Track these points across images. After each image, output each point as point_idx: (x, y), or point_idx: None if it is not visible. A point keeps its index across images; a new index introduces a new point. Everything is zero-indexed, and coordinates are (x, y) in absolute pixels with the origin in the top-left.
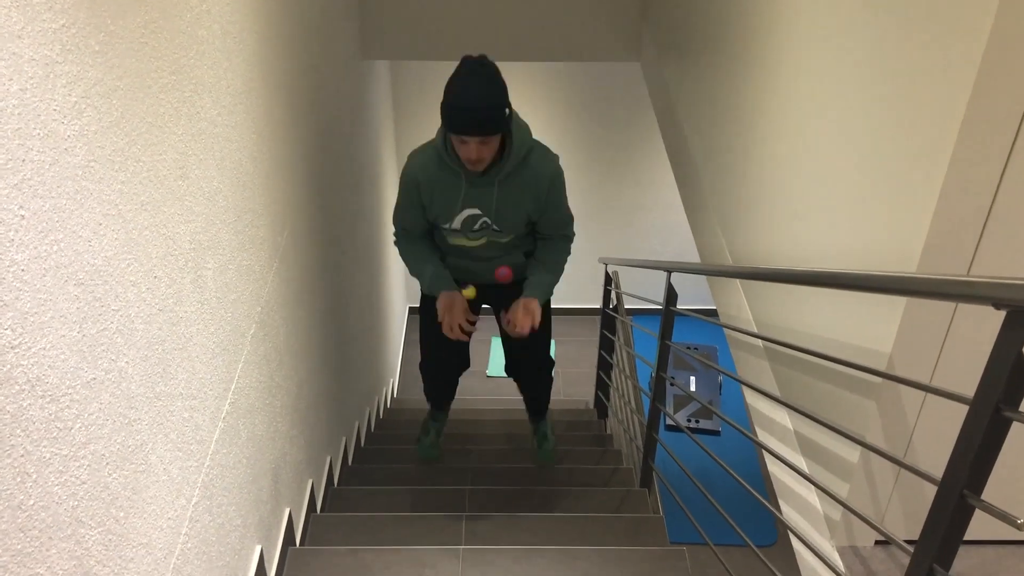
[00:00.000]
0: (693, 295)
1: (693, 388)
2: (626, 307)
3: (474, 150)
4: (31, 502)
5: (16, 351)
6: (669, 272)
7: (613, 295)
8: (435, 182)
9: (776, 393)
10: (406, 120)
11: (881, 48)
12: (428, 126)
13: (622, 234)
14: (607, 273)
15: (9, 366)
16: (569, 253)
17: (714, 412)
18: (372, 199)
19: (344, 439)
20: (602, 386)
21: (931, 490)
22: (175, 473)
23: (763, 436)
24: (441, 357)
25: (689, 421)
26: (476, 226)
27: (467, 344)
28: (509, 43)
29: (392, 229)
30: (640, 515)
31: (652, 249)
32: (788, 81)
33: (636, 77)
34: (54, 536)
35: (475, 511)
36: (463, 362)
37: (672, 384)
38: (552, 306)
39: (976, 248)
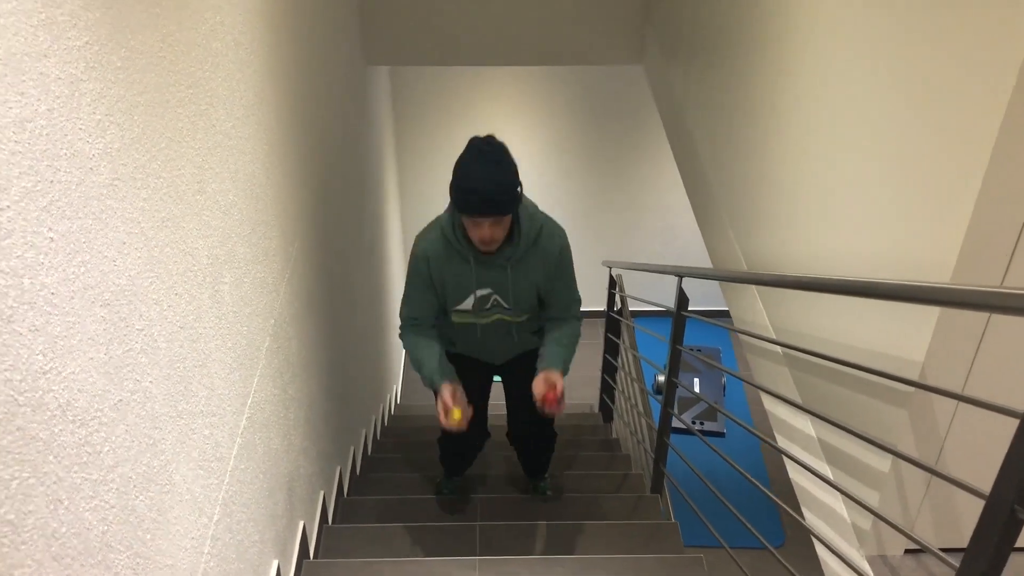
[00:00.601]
0: (700, 297)
1: (697, 390)
2: (629, 309)
3: (487, 231)
4: (64, 529)
5: (48, 376)
6: (680, 277)
7: (617, 298)
8: (445, 265)
9: (797, 399)
10: (406, 125)
11: (918, 51)
12: (427, 131)
13: (623, 236)
14: (611, 277)
15: (41, 392)
16: (580, 335)
17: (730, 417)
18: (375, 204)
19: (352, 448)
20: (607, 389)
21: (963, 498)
22: (197, 492)
23: (782, 442)
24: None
25: (694, 423)
26: (488, 305)
27: (485, 412)
28: (511, 48)
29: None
30: (654, 521)
31: (654, 251)
32: (815, 83)
33: (636, 79)
34: (85, 563)
35: (487, 519)
36: (483, 432)
37: (682, 387)
38: None
39: (1011, 257)
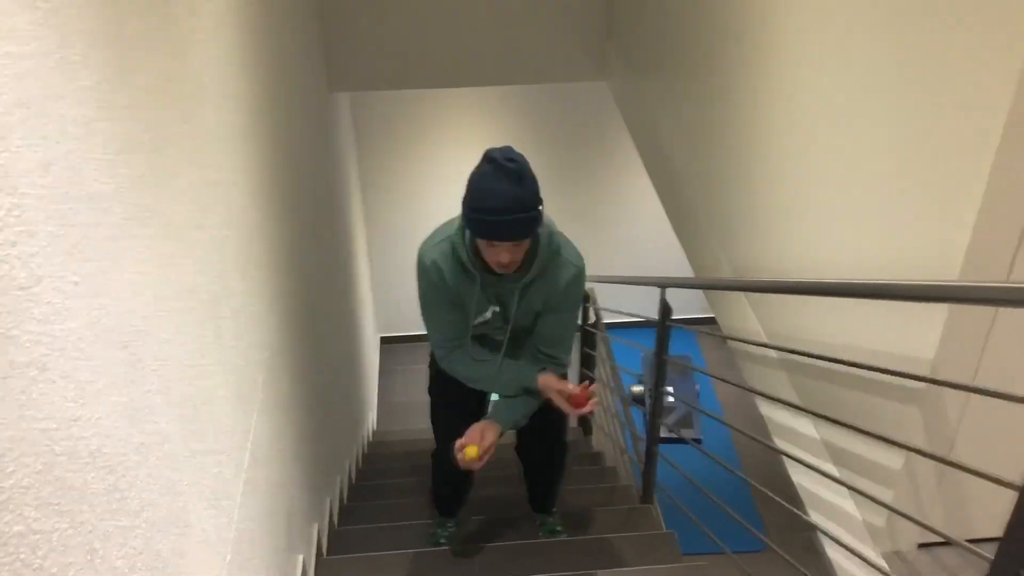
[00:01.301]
0: (675, 306)
1: (671, 399)
2: (604, 322)
3: (506, 255)
4: None
5: (79, 424)
6: (663, 288)
7: (592, 311)
8: (455, 281)
9: (796, 403)
10: (369, 151)
11: (919, 49)
12: (390, 155)
13: (595, 250)
14: (584, 292)
15: (74, 440)
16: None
17: (724, 423)
18: (344, 231)
19: (339, 479)
20: None
21: (974, 492)
22: (210, 532)
23: (782, 445)
24: (453, 413)
25: (671, 431)
26: (499, 323)
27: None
28: (473, 69)
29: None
30: (650, 532)
31: (624, 262)
32: (809, 86)
33: (601, 94)
34: None
35: (482, 541)
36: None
37: (671, 396)
38: None
39: (1015, 252)
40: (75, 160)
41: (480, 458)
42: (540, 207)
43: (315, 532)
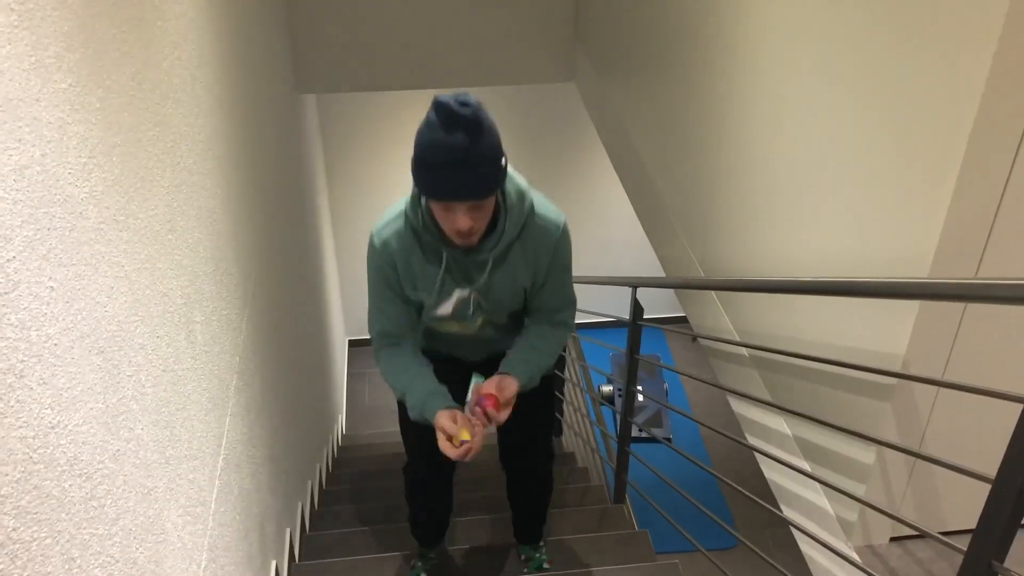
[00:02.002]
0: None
1: (641, 398)
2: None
3: (464, 219)
4: None
5: (56, 431)
6: (635, 288)
7: None
8: (413, 262)
9: (769, 400)
10: (335, 152)
11: (886, 51)
12: (357, 156)
13: None
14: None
15: (52, 447)
16: (564, 345)
17: (695, 420)
18: (313, 233)
19: (310, 483)
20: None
21: (944, 485)
22: (186, 539)
23: (755, 442)
24: (436, 462)
25: (642, 430)
26: (471, 309)
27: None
28: (442, 71)
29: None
30: (623, 531)
31: (596, 263)
32: (778, 84)
33: (569, 95)
34: None
35: (454, 544)
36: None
37: (641, 395)
38: None
39: (984, 248)
40: (50, 163)
41: (473, 440)
42: (502, 159)
43: (287, 537)
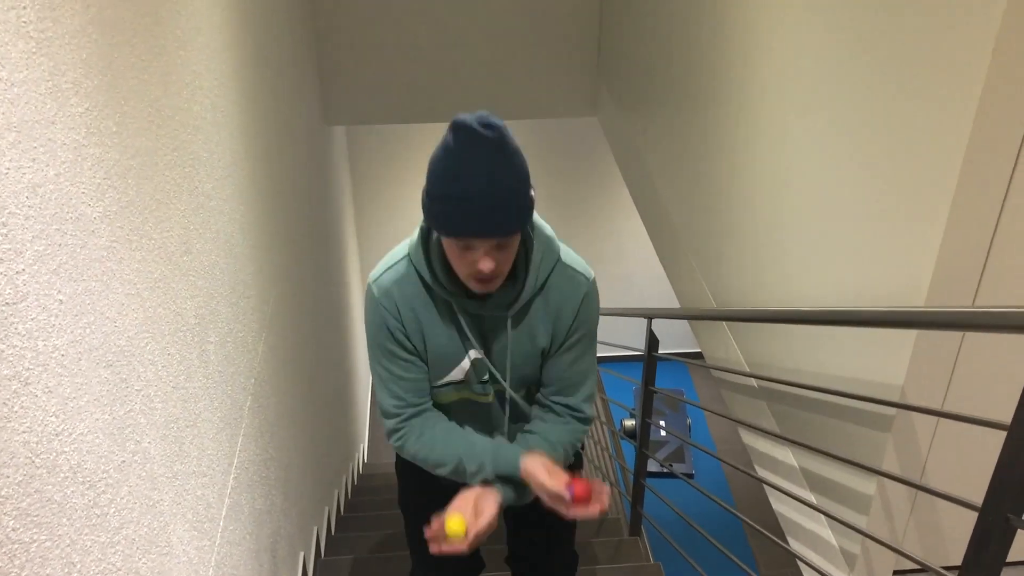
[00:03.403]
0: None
1: (663, 433)
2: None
3: (487, 260)
4: None
5: (60, 438)
6: (650, 319)
7: None
8: (420, 314)
9: (776, 431)
10: (363, 182)
11: (879, 85)
12: (384, 187)
13: None
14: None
15: (55, 453)
16: (581, 443)
17: (711, 454)
18: (337, 263)
19: (327, 508)
20: None
21: (947, 517)
22: (192, 554)
23: (764, 474)
24: (446, 563)
25: (663, 466)
26: (485, 375)
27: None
28: (467, 104)
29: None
30: (638, 564)
31: (616, 297)
32: (784, 122)
33: (592, 129)
34: None
35: None
36: (475, 561)
37: (662, 430)
38: None
39: (980, 278)
40: (64, 183)
41: (468, 535)
42: (531, 191)
43: (301, 561)
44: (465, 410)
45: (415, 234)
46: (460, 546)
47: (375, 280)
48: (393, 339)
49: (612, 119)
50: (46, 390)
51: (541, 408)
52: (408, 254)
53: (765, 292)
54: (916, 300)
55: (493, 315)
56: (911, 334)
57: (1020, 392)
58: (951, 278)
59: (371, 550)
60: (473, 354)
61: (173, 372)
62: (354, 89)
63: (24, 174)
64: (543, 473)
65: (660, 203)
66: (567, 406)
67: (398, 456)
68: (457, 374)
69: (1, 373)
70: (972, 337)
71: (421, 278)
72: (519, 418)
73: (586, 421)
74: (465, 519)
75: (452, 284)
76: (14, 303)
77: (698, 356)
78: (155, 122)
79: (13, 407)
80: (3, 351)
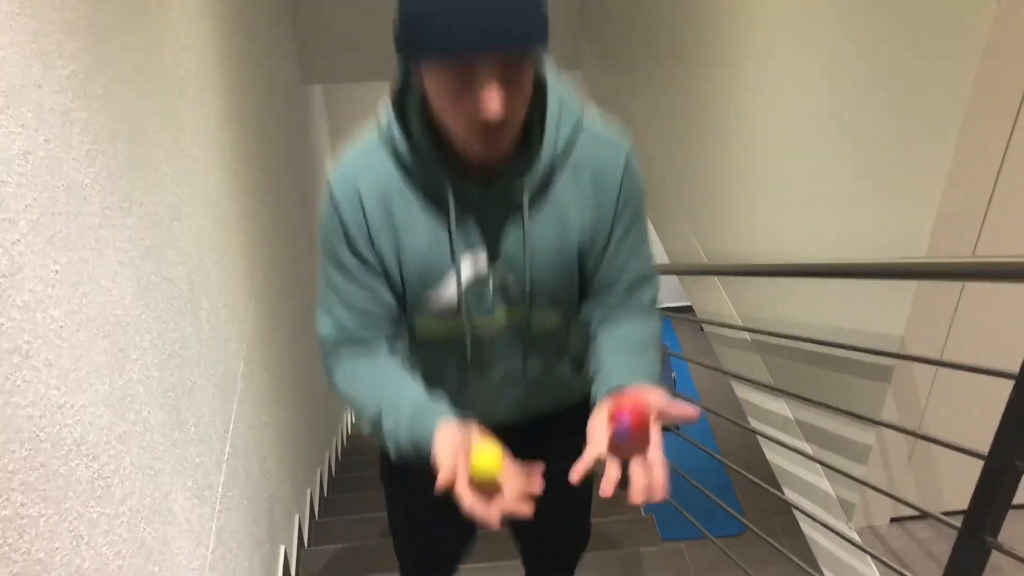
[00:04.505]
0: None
1: None
2: None
3: (493, 96)
4: (86, 565)
5: (63, 411)
6: None
7: None
8: (398, 210)
9: (770, 384)
10: (341, 140)
11: (882, 38)
12: None
13: None
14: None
15: (59, 427)
16: (661, 336)
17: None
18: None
19: (319, 470)
20: None
21: (944, 465)
22: (194, 521)
23: (757, 426)
24: (431, 538)
25: None
26: (489, 290)
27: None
28: None
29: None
30: (630, 516)
31: None
32: (775, 73)
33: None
34: None
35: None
36: (468, 531)
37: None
38: None
39: (981, 227)
40: (54, 149)
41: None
42: (544, 7)
43: (296, 523)
44: (457, 354)
45: (385, 100)
46: (488, 505)
47: (339, 172)
48: (349, 248)
49: (595, 73)
50: (46, 363)
51: (606, 316)
52: (379, 131)
53: (759, 245)
54: (917, 250)
55: (502, 197)
56: (911, 285)
57: None
58: (952, 228)
59: (364, 510)
60: (472, 260)
61: (168, 340)
62: (332, 48)
63: (15, 140)
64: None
65: (646, 157)
66: (628, 301)
67: (384, 459)
68: (448, 292)
69: (1, 347)
70: (972, 287)
71: (397, 157)
72: (544, 363)
73: (654, 308)
74: (495, 457)
75: (441, 159)
76: (11, 275)
77: (684, 311)
78: (141, 84)
79: (15, 381)
80: (2, 324)
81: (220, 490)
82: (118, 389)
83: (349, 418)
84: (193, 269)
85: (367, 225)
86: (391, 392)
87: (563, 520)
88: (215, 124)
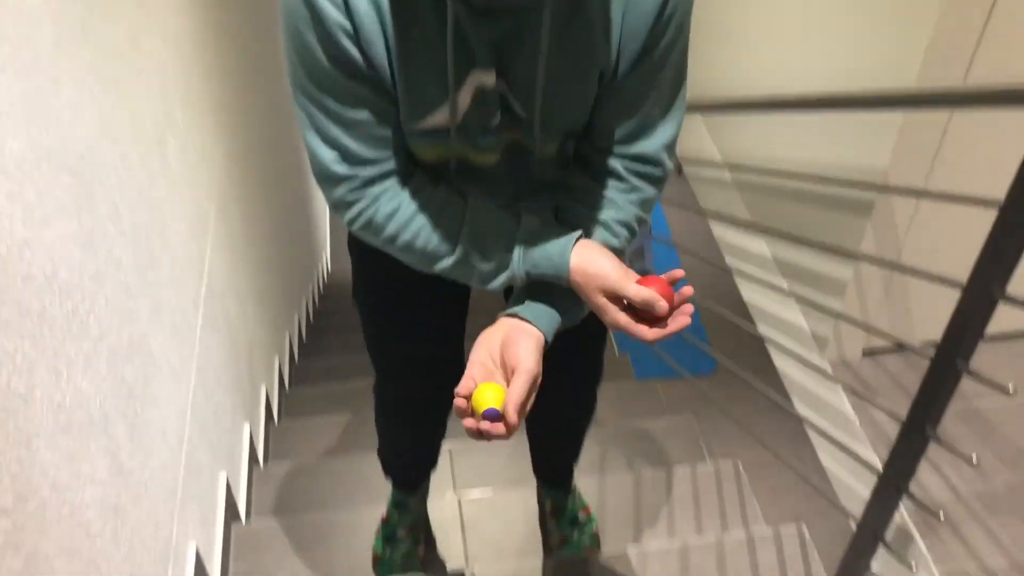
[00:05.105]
0: None
1: None
2: None
3: None
4: (67, 400)
5: (31, 246)
6: None
7: None
8: (386, 18)
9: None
10: None
11: None
12: None
13: None
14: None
15: (27, 262)
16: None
17: (676, 247)
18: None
19: (296, 315)
20: None
21: (919, 298)
22: (175, 361)
23: (733, 263)
24: (420, 366)
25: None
26: (491, 112)
27: (462, 336)
28: None
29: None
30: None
31: None
32: None
33: None
34: (90, 433)
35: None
36: (449, 330)
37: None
38: None
39: (972, 56)
40: None
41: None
42: None
43: (276, 364)
44: (440, 176)
45: None
46: (499, 429)
47: None
48: (338, 56)
49: None
50: (8, 196)
51: (582, 168)
52: None
53: (746, 83)
54: (907, 79)
55: (511, 7)
56: (898, 117)
57: (1015, 169)
58: (944, 53)
59: (342, 353)
60: (477, 77)
61: (136, 179)
62: None
63: None
64: (624, 278)
65: None
66: (639, 157)
67: (355, 262)
68: (441, 116)
69: None
70: (959, 118)
71: None
72: (535, 192)
73: (660, 181)
74: (499, 387)
75: None
76: None
77: None
78: None
79: None
80: None
81: (199, 331)
82: (87, 227)
83: (326, 263)
84: (157, 107)
85: (354, 26)
86: (475, 223)
87: (578, 346)
88: None
